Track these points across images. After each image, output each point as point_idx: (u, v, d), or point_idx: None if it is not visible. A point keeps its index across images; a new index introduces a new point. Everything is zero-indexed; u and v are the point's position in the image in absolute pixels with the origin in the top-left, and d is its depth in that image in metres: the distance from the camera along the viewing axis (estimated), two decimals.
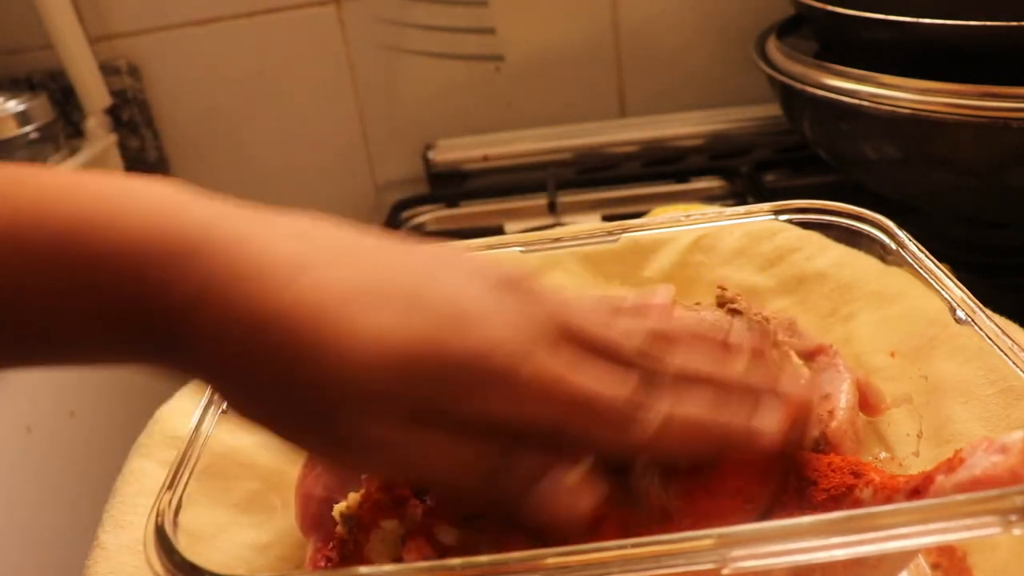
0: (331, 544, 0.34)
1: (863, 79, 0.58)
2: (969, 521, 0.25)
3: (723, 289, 0.40)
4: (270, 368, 0.27)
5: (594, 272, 0.51)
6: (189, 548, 0.29)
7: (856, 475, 0.30)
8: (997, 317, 0.36)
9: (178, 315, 0.27)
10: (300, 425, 0.28)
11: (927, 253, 0.39)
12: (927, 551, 0.34)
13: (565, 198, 0.85)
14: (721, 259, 0.51)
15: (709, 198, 0.84)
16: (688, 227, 0.49)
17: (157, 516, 0.30)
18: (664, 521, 0.29)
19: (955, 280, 0.37)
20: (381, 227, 0.73)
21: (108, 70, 0.90)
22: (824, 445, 0.34)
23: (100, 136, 0.90)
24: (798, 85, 0.63)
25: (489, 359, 0.27)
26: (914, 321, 0.42)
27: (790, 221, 0.46)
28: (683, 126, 0.90)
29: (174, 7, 0.90)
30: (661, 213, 0.65)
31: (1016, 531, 0.24)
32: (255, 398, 0.28)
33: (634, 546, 0.25)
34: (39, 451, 0.75)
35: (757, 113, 0.89)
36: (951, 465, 0.28)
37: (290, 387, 0.27)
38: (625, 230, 0.48)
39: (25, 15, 0.86)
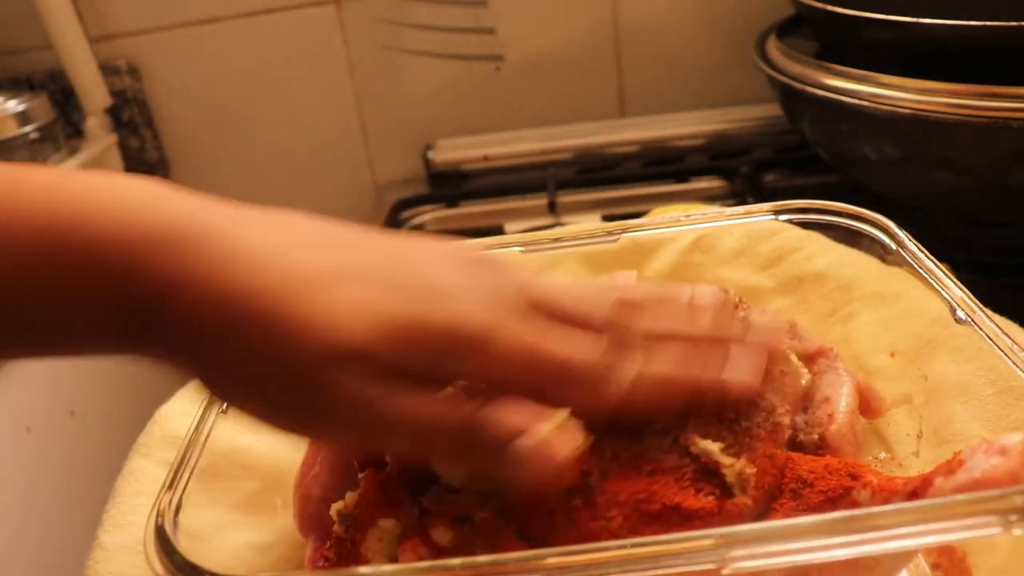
0: (328, 544, 0.34)
1: (863, 79, 0.58)
2: (969, 521, 0.25)
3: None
4: (243, 341, 0.27)
5: (594, 272, 0.50)
6: (189, 548, 0.29)
7: (853, 477, 0.30)
8: (997, 317, 0.36)
9: (156, 302, 0.27)
10: (276, 398, 0.28)
11: (927, 253, 0.39)
12: (927, 551, 0.34)
13: (565, 198, 0.85)
14: (721, 259, 0.51)
15: (709, 198, 0.84)
16: (688, 227, 0.49)
17: (157, 516, 0.30)
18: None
19: (955, 280, 0.37)
20: (381, 227, 0.73)
21: (108, 70, 0.90)
22: (823, 448, 0.34)
23: (100, 136, 0.90)
24: (798, 85, 0.63)
25: (464, 328, 0.28)
26: (914, 321, 0.42)
27: (790, 221, 0.46)
28: (683, 126, 0.90)
29: (174, 7, 0.90)
30: (661, 213, 0.65)
31: (1016, 531, 0.24)
32: (231, 374, 0.28)
33: (634, 546, 0.25)
34: (39, 451, 0.75)
35: (757, 113, 0.89)
36: (950, 467, 0.28)
37: (263, 357, 0.27)
38: (625, 230, 0.48)
39: (25, 15, 0.86)
